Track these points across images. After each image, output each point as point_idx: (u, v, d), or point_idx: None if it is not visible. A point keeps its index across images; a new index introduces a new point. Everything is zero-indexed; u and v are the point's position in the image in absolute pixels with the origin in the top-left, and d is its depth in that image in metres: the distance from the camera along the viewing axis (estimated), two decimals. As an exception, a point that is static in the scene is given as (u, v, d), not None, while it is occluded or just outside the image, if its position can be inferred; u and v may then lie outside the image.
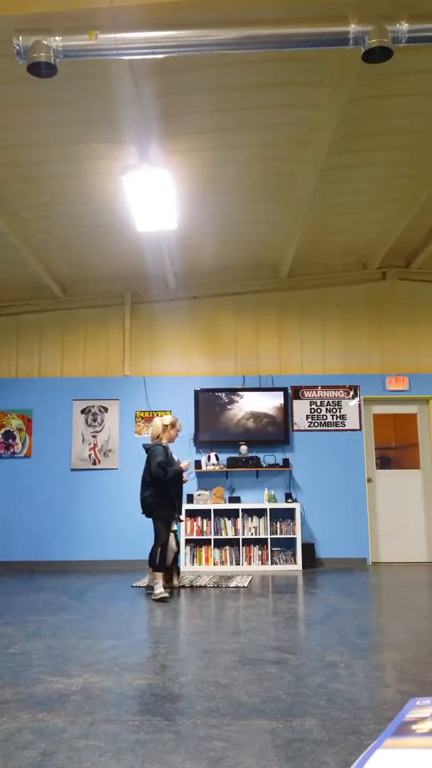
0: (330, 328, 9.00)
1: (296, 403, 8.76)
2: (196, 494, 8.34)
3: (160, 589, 6.00)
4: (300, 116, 5.33)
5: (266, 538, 8.18)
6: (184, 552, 8.06)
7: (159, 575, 6.10)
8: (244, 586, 6.71)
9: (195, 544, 8.23)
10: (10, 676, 3.50)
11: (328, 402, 8.77)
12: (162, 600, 5.90)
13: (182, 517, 6.30)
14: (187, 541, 8.16)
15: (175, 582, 6.83)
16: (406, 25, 3.77)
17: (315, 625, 4.81)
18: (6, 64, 4.26)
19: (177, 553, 7.01)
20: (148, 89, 4.81)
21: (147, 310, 9.09)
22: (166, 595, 5.99)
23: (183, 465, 6.30)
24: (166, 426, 6.48)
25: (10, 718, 2.83)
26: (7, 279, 8.54)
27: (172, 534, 7.04)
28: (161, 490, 6.23)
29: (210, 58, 4.44)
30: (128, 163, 5.56)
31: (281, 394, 8.70)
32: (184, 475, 6.50)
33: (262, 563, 8.12)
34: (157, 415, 8.69)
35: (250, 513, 8.29)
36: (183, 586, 6.78)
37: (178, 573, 6.99)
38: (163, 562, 6.18)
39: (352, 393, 8.77)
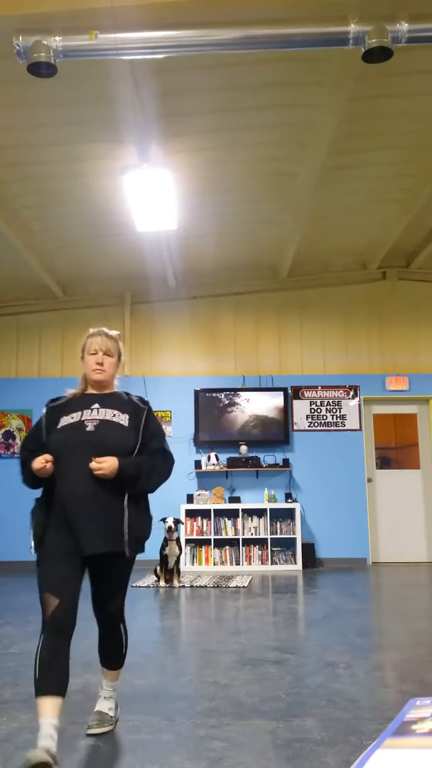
0: (330, 328, 9.00)
1: (296, 403, 8.76)
2: (196, 494, 8.34)
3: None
4: (300, 116, 5.32)
5: (266, 538, 8.18)
6: (185, 552, 8.05)
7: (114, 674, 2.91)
8: (244, 586, 6.70)
9: (195, 544, 8.24)
10: (10, 676, 3.50)
11: (328, 402, 8.76)
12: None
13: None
14: (187, 541, 8.16)
15: (176, 583, 6.84)
16: (406, 25, 3.77)
17: (315, 625, 4.81)
18: (6, 64, 4.26)
19: (178, 556, 7.01)
20: (148, 89, 4.81)
21: (147, 310, 9.09)
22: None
23: (35, 463, 2.61)
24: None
25: (10, 718, 2.82)
26: (7, 279, 8.53)
27: (174, 541, 6.99)
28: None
29: (210, 58, 4.44)
30: (128, 163, 5.56)
31: (281, 394, 8.69)
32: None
33: (262, 563, 8.12)
34: (157, 414, 8.70)
35: (250, 513, 8.29)
36: (183, 586, 6.78)
37: (179, 574, 7.00)
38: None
39: (352, 393, 8.76)
